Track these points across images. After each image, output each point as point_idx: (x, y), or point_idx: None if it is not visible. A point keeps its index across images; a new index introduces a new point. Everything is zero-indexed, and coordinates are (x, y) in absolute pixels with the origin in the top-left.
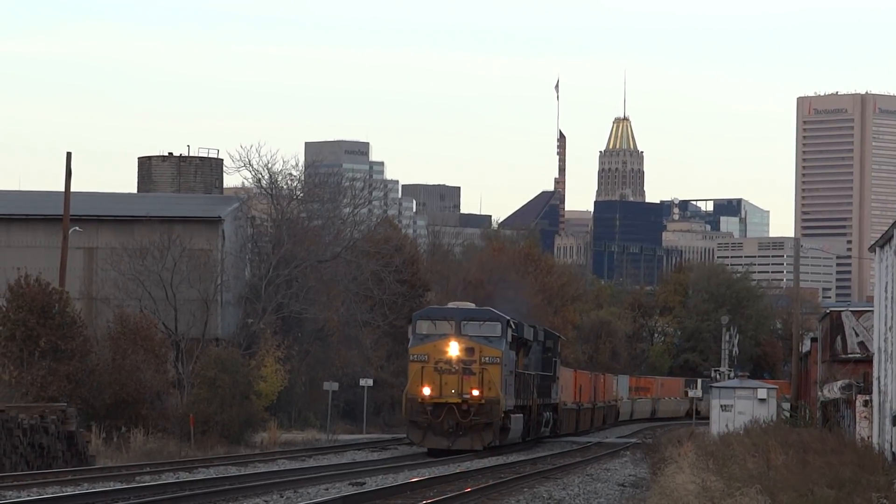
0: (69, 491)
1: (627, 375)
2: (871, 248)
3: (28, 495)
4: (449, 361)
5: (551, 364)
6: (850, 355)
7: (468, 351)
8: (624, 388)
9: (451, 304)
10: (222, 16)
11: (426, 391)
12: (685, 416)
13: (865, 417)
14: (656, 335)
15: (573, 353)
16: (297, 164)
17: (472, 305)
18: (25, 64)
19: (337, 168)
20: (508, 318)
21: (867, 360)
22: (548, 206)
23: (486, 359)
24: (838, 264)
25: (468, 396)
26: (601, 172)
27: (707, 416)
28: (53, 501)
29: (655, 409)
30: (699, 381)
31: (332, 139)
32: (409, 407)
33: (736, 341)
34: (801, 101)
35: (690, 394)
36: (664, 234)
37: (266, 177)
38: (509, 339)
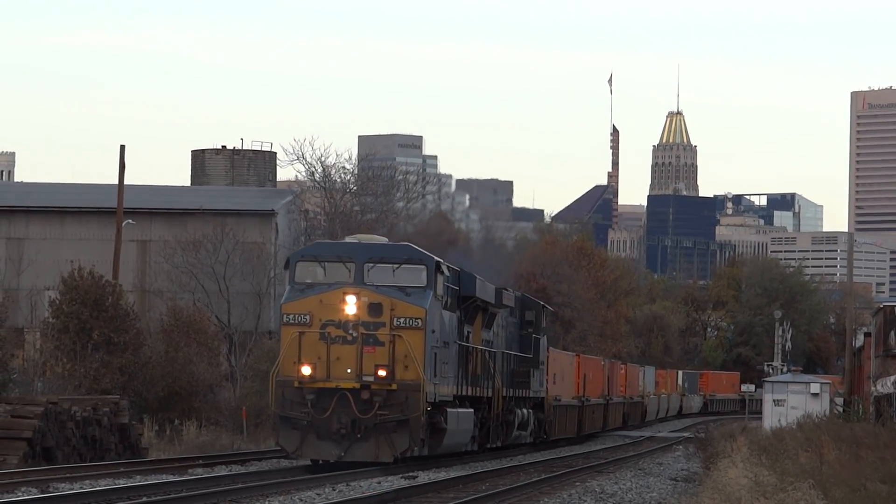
0: (122, 483)
1: (654, 367)
2: None
3: (81, 487)
4: (343, 324)
5: (531, 343)
6: None
7: (373, 308)
8: (651, 381)
9: (349, 238)
10: (275, 10)
11: (305, 370)
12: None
13: None
14: (709, 329)
15: (626, 347)
16: (350, 158)
17: (382, 240)
18: (80, 58)
19: (390, 161)
20: (439, 260)
21: None
22: (601, 200)
23: (401, 320)
24: (892, 259)
25: (371, 379)
26: (654, 166)
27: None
28: (106, 493)
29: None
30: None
31: (385, 132)
32: (280, 395)
33: (789, 336)
34: (856, 96)
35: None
36: (717, 228)
37: (319, 170)
38: (440, 291)
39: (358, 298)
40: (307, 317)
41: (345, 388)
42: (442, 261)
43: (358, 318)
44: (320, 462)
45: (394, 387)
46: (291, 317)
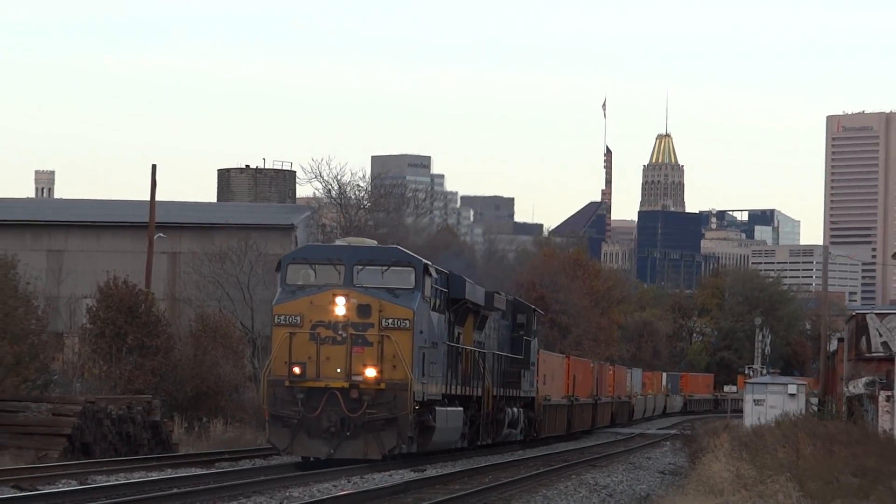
0: (154, 476)
1: (641, 369)
2: (895, 256)
3: (116, 479)
4: (332, 325)
5: (522, 345)
6: (873, 354)
7: (362, 309)
8: (638, 382)
9: (339, 241)
10: (294, 40)
11: (296, 370)
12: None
13: (888, 411)
14: (695, 335)
15: (618, 351)
16: (364, 176)
17: (372, 243)
18: (115, 83)
19: (401, 180)
20: (427, 262)
21: (890, 359)
22: (595, 216)
23: (390, 321)
24: (863, 270)
25: (360, 378)
26: (644, 185)
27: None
28: (140, 485)
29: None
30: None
31: (396, 153)
32: (271, 394)
33: (768, 341)
34: (831, 119)
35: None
36: (702, 241)
37: (335, 188)
38: (428, 293)
39: (347, 300)
40: (298, 318)
41: (334, 388)
42: (430, 263)
43: (347, 318)
44: (311, 459)
45: (382, 386)
46: (282, 318)
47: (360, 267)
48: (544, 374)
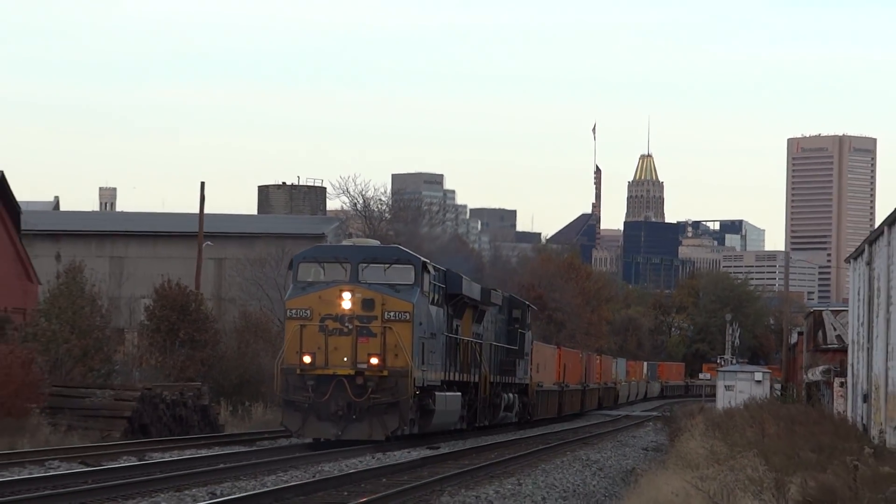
0: (203, 453)
1: (625, 359)
2: (847, 260)
3: (171, 456)
4: (339, 318)
5: (517, 337)
6: (829, 346)
7: (366, 303)
8: (623, 370)
9: (346, 242)
10: (324, 73)
11: (306, 359)
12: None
13: (841, 396)
14: (673, 329)
15: (606, 343)
16: (385, 192)
17: (375, 243)
18: (170, 110)
19: (417, 195)
20: (426, 260)
21: (843, 350)
22: (587, 226)
23: (392, 314)
24: (820, 273)
25: (365, 366)
26: (629, 198)
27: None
28: (191, 461)
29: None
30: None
31: (413, 171)
32: (284, 381)
33: (737, 334)
34: (791, 142)
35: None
36: (680, 248)
37: (361, 201)
38: (426, 288)
39: (353, 295)
40: (308, 311)
41: (341, 375)
42: (428, 261)
43: (353, 312)
44: (321, 440)
45: (385, 373)
46: (294, 311)
47: (365, 265)
48: (537, 363)
